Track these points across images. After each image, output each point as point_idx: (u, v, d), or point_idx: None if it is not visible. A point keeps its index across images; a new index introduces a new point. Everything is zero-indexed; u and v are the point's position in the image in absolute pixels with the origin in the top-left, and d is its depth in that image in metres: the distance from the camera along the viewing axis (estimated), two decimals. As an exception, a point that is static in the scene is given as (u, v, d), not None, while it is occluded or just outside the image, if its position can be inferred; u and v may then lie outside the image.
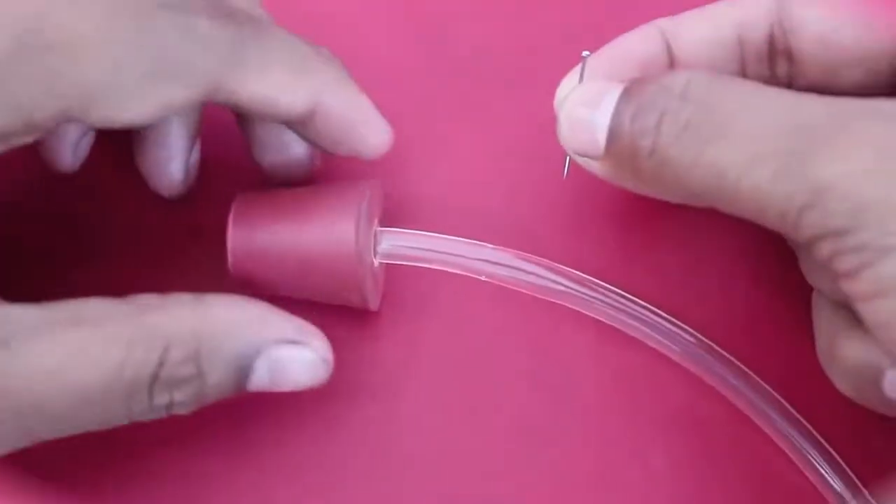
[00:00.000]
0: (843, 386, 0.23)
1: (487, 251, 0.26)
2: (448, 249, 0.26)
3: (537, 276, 0.26)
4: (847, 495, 0.24)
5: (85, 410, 0.20)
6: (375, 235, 0.25)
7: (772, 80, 0.24)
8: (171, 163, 0.26)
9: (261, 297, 0.23)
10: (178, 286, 0.22)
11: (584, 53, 0.24)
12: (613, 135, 0.22)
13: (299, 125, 0.24)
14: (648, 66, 0.24)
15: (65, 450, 0.22)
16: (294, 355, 0.22)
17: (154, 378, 0.21)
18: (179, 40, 0.21)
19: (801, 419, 0.25)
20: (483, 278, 0.26)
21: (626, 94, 0.22)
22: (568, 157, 0.24)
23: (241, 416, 0.25)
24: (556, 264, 0.26)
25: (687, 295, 0.26)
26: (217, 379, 0.22)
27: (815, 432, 0.25)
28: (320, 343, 0.23)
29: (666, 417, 0.26)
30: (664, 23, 0.25)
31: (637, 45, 0.24)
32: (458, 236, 0.26)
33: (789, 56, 0.24)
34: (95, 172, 0.27)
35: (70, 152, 0.26)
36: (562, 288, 0.26)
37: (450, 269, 0.26)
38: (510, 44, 0.30)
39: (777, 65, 0.24)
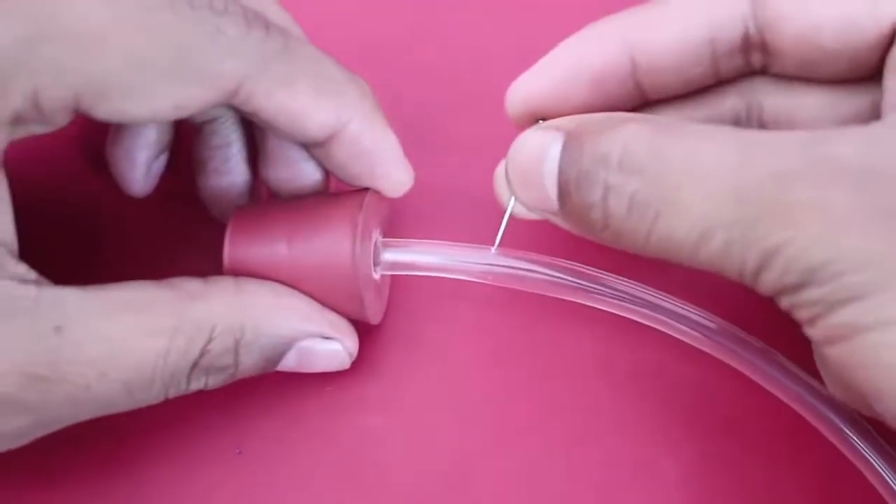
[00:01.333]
0: (832, 389, 0.23)
1: (491, 255, 0.25)
2: (451, 257, 0.25)
3: (545, 274, 0.25)
4: None
5: (127, 395, 0.21)
6: (376, 247, 0.25)
7: (745, 68, 0.23)
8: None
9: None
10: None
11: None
12: (563, 195, 0.21)
13: (319, 149, 0.24)
14: (606, 76, 0.23)
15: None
16: (324, 347, 0.24)
17: (194, 366, 0.22)
18: (203, 41, 0.21)
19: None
20: (489, 281, 0.26)
21: (567, 152, 0.21)
22: (502, 229, 0.24)
23: (239, 424, 0.25)
24: (564, 261, 0.25)
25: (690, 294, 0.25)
26: (250, 365, 0.23)
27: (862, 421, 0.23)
28: (350, 340, 0.24)
29: (677, 420, 0.25)
30: (625, 26, 0.23)
31: (594, 52, 0.23)
32: (462, 241, 0.25)
33: (765, 49, 0.23)
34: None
35: (141, 176, 0.26)
36: (573, 284, 0.25)
37: (454, 276, 0.26)
38: (509, 45, 0.29)
39: (751, 56, 0.23)
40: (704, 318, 0.25)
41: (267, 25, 0.22)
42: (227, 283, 0.23)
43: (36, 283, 0.20)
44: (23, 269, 0.20)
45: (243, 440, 0.25)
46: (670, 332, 0.25)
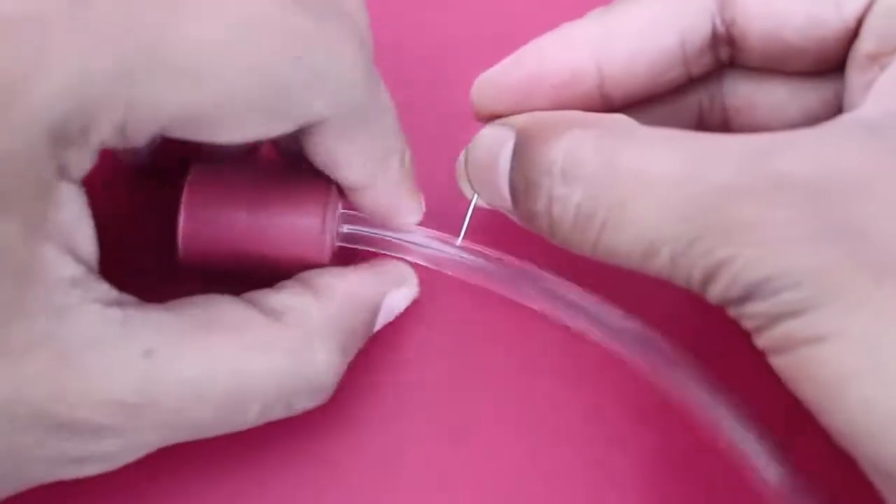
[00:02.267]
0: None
1: (451, 247, 0.25)
2: (409, 239, 0.24)
3: (494, 271, 0.25)
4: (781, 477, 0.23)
5: (223, 419, 0.20)
6: (339, 216, 0.24)
7: (714, 64, 0.24)
8: None
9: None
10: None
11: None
12: (514, 199, 0.22)
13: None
14: (571, 85, 0.23)
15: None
16: (400, 297, 0.24)
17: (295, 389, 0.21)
18: (301, 81, 0.19)
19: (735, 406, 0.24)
20: (449, 273, 0.25)
21: (515, 158, 0.21)
22: (466, 222, 0.24)
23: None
24: (520, 261, 0.25)
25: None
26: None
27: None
28: (415, 277, 0.25)
29: (629, 414, 0.25)
30: (593, 36, 0.23)
31: (559, 62, 0.23)
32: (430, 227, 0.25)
33: (732, 44, 0.23)
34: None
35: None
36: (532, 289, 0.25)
37: (410, 259, 0.25)
38: (479, 39, 0.29)
39: (719, 51, 0.23)
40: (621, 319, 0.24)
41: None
42: (305, 294, 0.22)
43: (119, 303, 0.19)
44: (105, 288, 0.19)
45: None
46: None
